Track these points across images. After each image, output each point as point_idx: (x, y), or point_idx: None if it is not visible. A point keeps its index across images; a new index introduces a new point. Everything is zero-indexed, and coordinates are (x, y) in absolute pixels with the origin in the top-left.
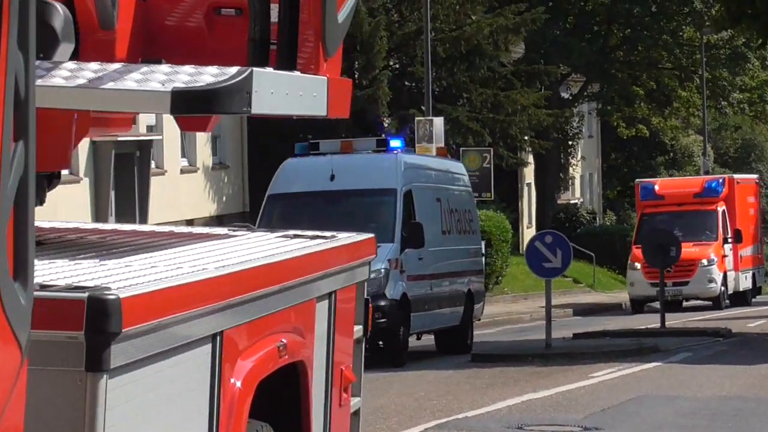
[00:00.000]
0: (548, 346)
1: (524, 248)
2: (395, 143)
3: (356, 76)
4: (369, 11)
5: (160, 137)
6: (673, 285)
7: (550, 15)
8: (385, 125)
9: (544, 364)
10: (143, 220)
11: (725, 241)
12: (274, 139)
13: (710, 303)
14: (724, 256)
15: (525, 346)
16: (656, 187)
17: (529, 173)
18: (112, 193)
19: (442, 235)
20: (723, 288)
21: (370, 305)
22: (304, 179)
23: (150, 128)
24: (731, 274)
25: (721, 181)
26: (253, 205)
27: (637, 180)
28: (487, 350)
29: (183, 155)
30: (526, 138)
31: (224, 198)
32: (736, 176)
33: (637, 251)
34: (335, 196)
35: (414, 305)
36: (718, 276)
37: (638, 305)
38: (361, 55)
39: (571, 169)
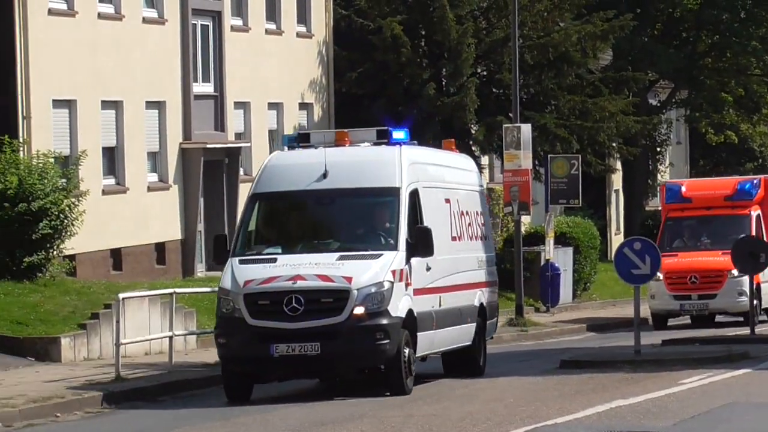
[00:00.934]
0: (637, 352)
1: (612, 255)
2: (398, 135)
3: (444, 83)
4: (457, 18)
5: (249, 144)
6: (699, 298)
7: (638, 22)
8: (473, 132)
9: (633, 371)
10: (231, 223)
11: None
12: None
13: (741, 318)
14: None
15: (614, 352)
16: (683, 189)
17: (617, 180)
18: (201, 200)
19: (452, 242)
20: (756, 302)
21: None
22: (292, 176)
23: (238, 135)
24: (766, 287)
25: (756, 182)
26: None
27: (663, 181)
28: (576, 357)
29: None
30: (614, 145)
31: None
32: None
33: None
34: (328, 197)
35: (421, 323)
36: (748, 288)
37: (660, 320)
38: (448, 63)
39: (659, 175)
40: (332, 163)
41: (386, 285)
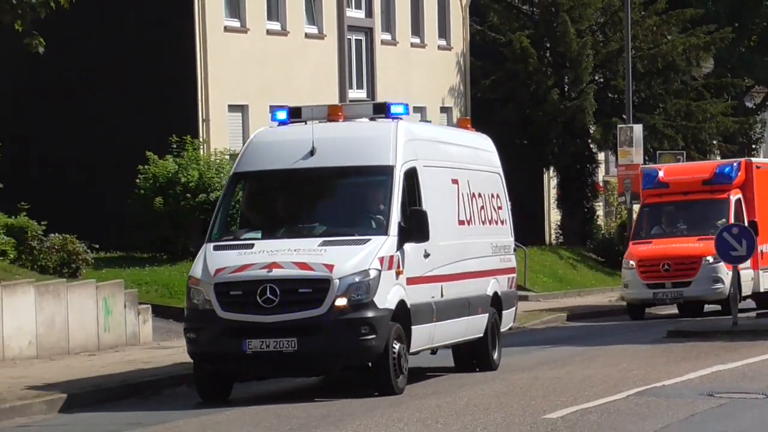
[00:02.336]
0: (735, 324)
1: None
2: (397, 109)
3: (566, 89)
4: (577, 33)
5: None
6: (673, 286)
7: (736, 34)
8: (591, 131)
9: (731, 340)
10: None
11: None
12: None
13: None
14: None
15: (714, 324)
16: (661, 174)
17: None
18: None
19: (460, 226)
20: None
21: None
22: (277, 154)
23: None
24: (747, 273)
25: (736, 165)
26: None
27: (642, 166)
28: (681, 328)
29: None
30: (714, 142)
31: None
32: (755, 160)
33: (634, 247)
34: (315, 176)
35: (416, 316)
36: (725, 275)
37: (636, 310)
38: (570, 71)
39: None
40: (321, 140)
41: (372, 273)
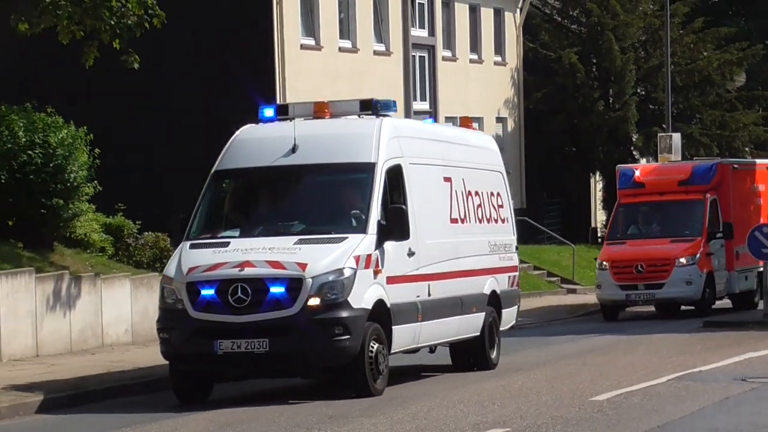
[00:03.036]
0: (766, 315)
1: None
2: (385, 105)
3: (610, 101)
4: (621, 49)
5: None
6: (645, 288)
7: (767, 51)
8: (634, 139)
9: (762, 330)
10: None
11: (712, 236)
12: (541, 151)
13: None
14: (709, 253)
15: (746, 316)
16: (637, 173)
17: None
18: None
19: (452, 224)
20: (707, 290)
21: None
22: (258, 151)
23: None
24: (721, 274)
25: (713, 166)
26: (529, 203)
27: (619, 166)
28: (717, 319)
29: None
30: (747, 149)
31: None
32: (733, 161)
33: (608, 248)
34: (295, 173)
35: (398, 315)
36: (698, 277)
37: (609, 312)
38: (614, 85)
39: None
40: (303, 137)
41: (347, 272)
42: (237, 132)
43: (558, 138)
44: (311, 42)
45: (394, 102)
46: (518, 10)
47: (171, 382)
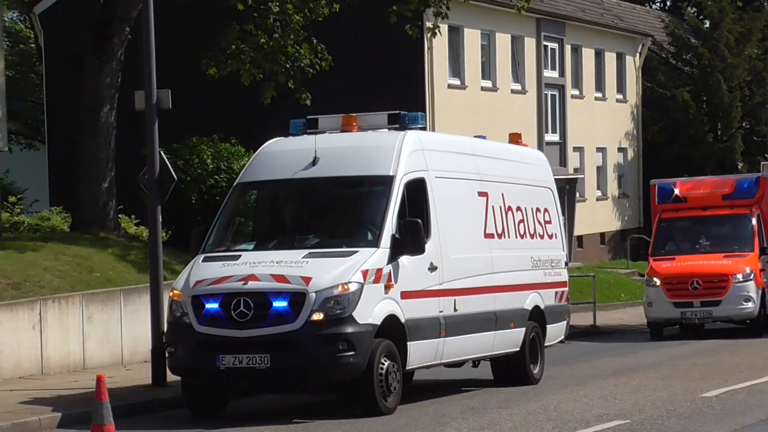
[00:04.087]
0: None
1: None
2: (413, 119)
3: (719, 133)
4: (729, 88)
5: (582, 176)
6: (702, 305)
7: None
8: (739, 167)
9: None
10: (570, 232)
11: (762, 251)
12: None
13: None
14: (762, 269)
15: None
16: (676, 188)
17: None
18: None
19: (487, 239)
20: (761, 308)
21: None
22: (280, 164)
23: (575, 170)
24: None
25: (755, 180)
26: (646, 222)
27: (653, 180)
28: None
29: (598, 188)
30: None
31: (626, 217)
32: None
33: (657, 264)
34: (314, 186)
35: (415, 331)
36: (756, 293)
37: (657, 329)
38: (722, 119)
39: None
40: (324, 150)
41: (353, 287)
42: (263, 145)
43: (672, 166)
44: (457, 82)
45: (422, 115)
46: (638, 54)
47: (183, 395)
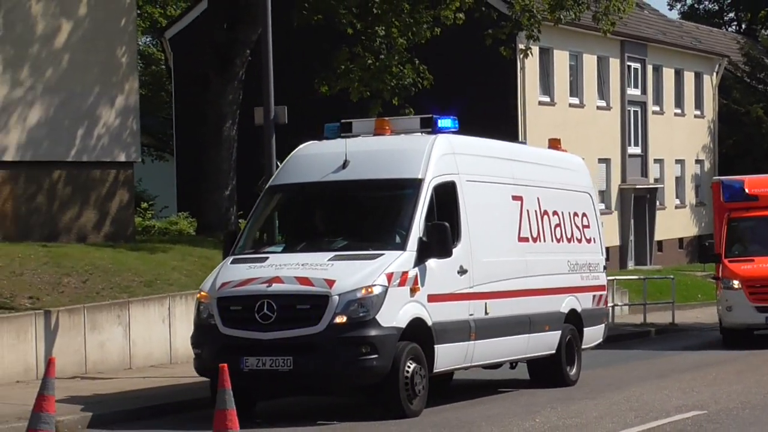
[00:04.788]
0: None
1: None
2: (445, 122)
3: None
4: None
5: (662, 186)
6: None
7: None
8: None
9: None
10: (651, 238)
11: None
12: None
13: None
14: None
15: None
16: (745, 186)
17: None
18: (632, 221)
19: (521, 243)
20: None
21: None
22: (311, 167)
23: (656, 180)
24: None
25: None
26: None
27: (716, 178)
28: None
29: (676, 197)
30: None
31: (702, 224)
32: None
33: (734, 266)
34: (342, 189)
35: (442, 335)
36: None
37: (733, 335)
38: None
39: None
40: (355, 153)
41: (377, 290)
42: (296, 149)
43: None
44: (547, 99)
45: (455, 119)
46: (715, 74)
47: (211, 396)
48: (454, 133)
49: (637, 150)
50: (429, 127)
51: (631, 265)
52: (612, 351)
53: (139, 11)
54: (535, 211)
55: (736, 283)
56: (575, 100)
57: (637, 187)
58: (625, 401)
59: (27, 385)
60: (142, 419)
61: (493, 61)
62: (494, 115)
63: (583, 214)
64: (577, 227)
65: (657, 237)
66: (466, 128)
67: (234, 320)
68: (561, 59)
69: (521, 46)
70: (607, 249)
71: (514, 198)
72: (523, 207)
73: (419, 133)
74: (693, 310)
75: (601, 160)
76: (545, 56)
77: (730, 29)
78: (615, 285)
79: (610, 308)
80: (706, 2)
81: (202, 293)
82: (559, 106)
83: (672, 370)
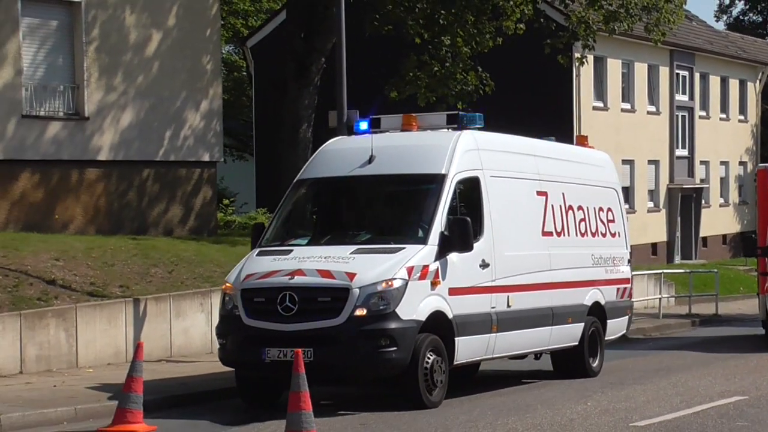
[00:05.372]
0: None
1: None
2: (471, 119)
3: None
4: None
5: (708, 186)
6: None
7: None
8: None
9: None
10: (696, 234)
11: None
12: None
13: None
14: None
15: None
16: None
17: None
18: (678, 218)
19: (545, 237)
20: None
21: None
22: (338, 162)
23: (702, 180)
24: None
25: None
26: None
27: (762, 165)
28: None
29: (721, 196)
30: None
31: (744, 221)
32: None
33: None
34: (367, 183)
35: (463, 327)
36: None
37: None
38: None
39: None
40: (380, 148)
41: (397, 283)
42: (324, 144)
43: None
44: (601, 104)
45: (481, 116)
46: (758, 81)
47: (236, 385)
48: (479, 129)
49: (685, 152)
50: (455, 123)
51: (677, 259)
52: (658, 340)
53: (222, 22)
54: (560, 206)
55: None
56: (627, 106)
57: (684, 186)
58: (672, 387)
59: (117, 367)
60: (222, 399)
61: (551, 68)
62: (551, 119)
63: (609, 209)
64: (602, 222)
65: (702, 233)
66: (525, 131)
67: (257, 312)
68: (614, 67)
69: (577, 55)
70: (655, 244)
71: (539, 193)
72: (548, 202)
73: (445, 129)
74: (735, 302)
75: (650, 162)
76: (599, 64)
77: None
78: (662, 278)
79: (658, 300)
80: (751, 14)
81: (227, 284)
82: (612, 111)
83: (715, 357)
